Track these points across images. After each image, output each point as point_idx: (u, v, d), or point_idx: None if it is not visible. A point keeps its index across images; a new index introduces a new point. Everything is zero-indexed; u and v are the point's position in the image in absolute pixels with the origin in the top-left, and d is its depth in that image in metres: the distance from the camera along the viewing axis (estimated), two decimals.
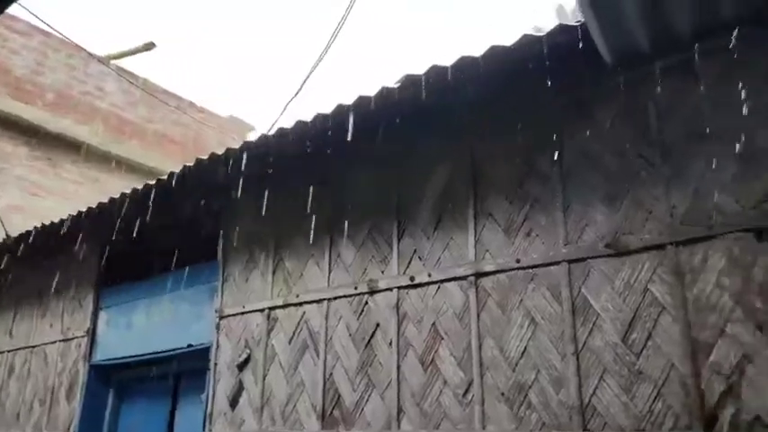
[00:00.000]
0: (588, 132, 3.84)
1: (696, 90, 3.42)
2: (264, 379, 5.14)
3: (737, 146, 3.24)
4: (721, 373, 3.04)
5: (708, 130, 3.33)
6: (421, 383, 4.19)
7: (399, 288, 4.49)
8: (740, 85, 3.28)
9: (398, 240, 4.63)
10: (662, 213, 3.45)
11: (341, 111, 4.44)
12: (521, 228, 4.01)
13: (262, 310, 5.36)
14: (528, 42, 3.62)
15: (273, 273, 5.46)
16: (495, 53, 3.73)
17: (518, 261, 3.92)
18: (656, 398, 3.22)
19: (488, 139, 4.29)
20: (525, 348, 3.75)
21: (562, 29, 3.47)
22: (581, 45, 3.38)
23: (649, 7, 2.83)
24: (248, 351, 5.32)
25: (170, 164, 12.14)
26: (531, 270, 3.86)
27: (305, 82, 6.06)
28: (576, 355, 3.52)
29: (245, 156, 5.12)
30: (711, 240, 3.24)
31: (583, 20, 3.26)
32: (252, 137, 5.83)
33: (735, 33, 2.89)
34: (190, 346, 5.80)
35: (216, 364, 5.50)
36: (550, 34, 3.51)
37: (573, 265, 3.69)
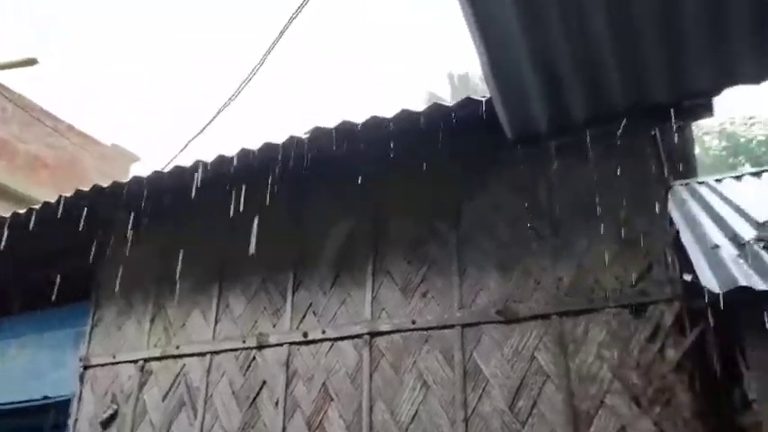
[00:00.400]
0: (485, 201, 4.02)
1: (584, 171, 3.71)
2: None
3: (619, 226, 3.52)
4: None
5: (593, 210, 3.60)
6: None
7: (291, 344, 4.33)
8: (622, 170, 3.60)
9: (293, 293, 4.50)
10: (549, 284, 3.64)
11: (245, 154, 4.31)
12: (417, 288, 4.05)
13: (135, 362, 4.93)
14: (437, 110, 3.75)
15: (152, 320, 5.07)
16: (405, 116, 3.83)
17: (413, 322, 3.94)
18: None
19: (391, 199, 4.35)
20: (416, 413, 3.73)
21: (469, 101, 3.65)
22: (484, 118, 3.54)
23: (549, 92, 3.04)
24: (115, 407, 4.84)
25: (39, 190, 11.09)
26: (425, 332, 3.89)
27: (212, 120, 5.84)
28: (465, 422, 3.55)
29: (126, 191, 4.78)
30: (593, 313, 3.45)
31: (488, 95, 3.44)
32: (136, 168, 5.50)
33: (623, 122, 3.18)
34: (46, 398, 5.18)
35: (76, 420, 4.94)
36: (458, 105, 3.66)
37: (466, 329, 3.76)
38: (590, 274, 3.54)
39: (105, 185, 4.86)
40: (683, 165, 5.46)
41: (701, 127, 17.00)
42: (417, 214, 4.22)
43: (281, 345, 4.37)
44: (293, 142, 4.16)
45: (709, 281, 3.01)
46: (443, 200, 4.14)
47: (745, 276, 2.99)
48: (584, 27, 2.63)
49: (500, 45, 2.78)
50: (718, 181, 6.08)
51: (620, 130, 3.46)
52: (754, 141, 15.14)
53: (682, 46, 2.72)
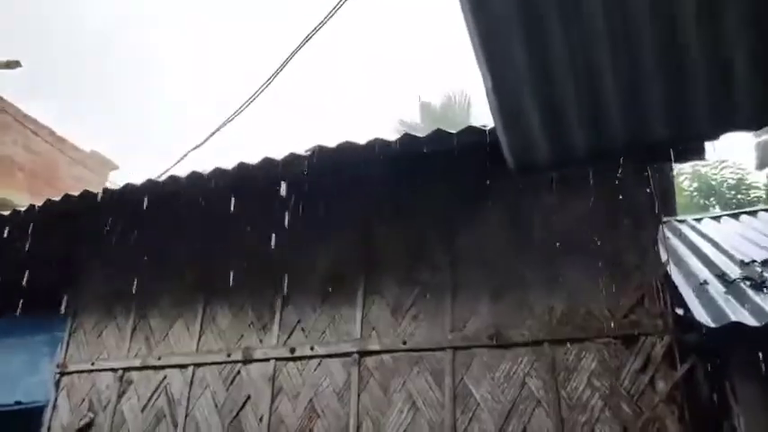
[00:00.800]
0: (480, 228, 4.08)
1: (580, 204, 3.80)
2: None
3: (611, 259, 3.61)
4: None
5: (586, 242, 3.68)
6: None
7: (278, 359, 4.29)
8: (617, 205, 3.70)
9: (282, 309, 4.47)
10: (541, 312, 3.69)
11: (243, 169, 4.30)
12: (409, 310, 4.07)
13: (114, 370, 4.82)
14: (438, 136, 3.81)
15: (133, 329, 4.98)
16: (408, 141, 3.88)
17: (404, 343, 3.95)
18: None
19: (386, 222, 4.38)
20: None
21: (471, 130, 3.71)
22: (488, 148, 3.61)
23: (551, 123, 3.13)
24: (91, 415, 4.71)
25: (14, 194, 10.85)
26: (416, 353, 3.90)
27: (213, 134, 5.82)
28: None
29: (112, 200, 4.70)
30: (584, 343, 3.51)
31: (491, 125, 3.52)
32: (114, 176, 5.44)
33: (621, 159, 3.28)
34: (19, 403, 5.00)
35: (49, 428, 4.78)
36: (461, 132, 3.73)
37: (458, 352, 3.78)
38: (582, 305, 3.60)
39: (92, 192, 4.79)
40: (664, 202, 5.62)
41: (673, 168, 17.46)
42: (412, 238, 4.25)
43: (267, 360, 4.33)
44: (268, 164, 4.16)
45: (701, 316, 3.10)
46: (438, 225, 4.19)
47: (735, 312, 3.08)
48: (586, 58, 2.73)
49: (505, 76, 2.87)
50: (698, 220, 6.27)
51: (619, 167, 3.58)
52: (724, 185, 15.61)
53: (685, 87, 2.84)
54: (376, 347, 4.03)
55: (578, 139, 3.36)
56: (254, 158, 4.26)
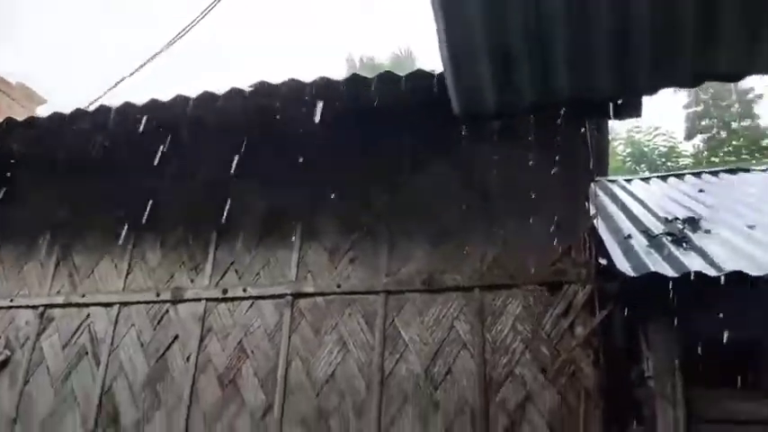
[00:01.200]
0: (423, 175, 4.08)
1: (519, 156, 3.83)
2: (25, 387, 4.40)
3: (545, 210, 3.69)
4: (506, 410, 3.36)
5: (524, 192, 3.73)
6: (216, 404, 3.93)
7: (209, 300, 4.21)
8: (555, 158, 3.76)
9: (216, 249, 4.37)
10: (475, 259, 3.76)
11: (177, 103, 4.10)
12: (346, 254, 4.06)
13: (35, 307, 4.62)
14: (387, 78, 3.73)
15: (57, 265, 4.76)
16: (355, 80, 3.78)
17: (339, 286, 3.95)
18: (447, 429, 3.43)
19: (328, 165, 4.29)
20: (333, 373, 3.76)
21: (420, 73, 3.65)
22: (435, 92, 3.55)
23: (501, 70, 3.11)
24: (8, 353, 4.52)
25: None
26: (350, 296, 3.91)
27: (144, 65, 5.48)
28: (380, 384, 3.62)
29: (37, 130, 4.43)
30: (512, 289, 3.61)
31: (440, 70, 3.47)
32: (43, 110, 5.11)
33: (563, 111, 3.31)
34: None
35: None
36: (409, 76, 3.66)
37: (391, 296, 3.82)
38: (513, 253, 3.69)
39: (15, 119, 4.48)
40: (600, 162, 5.79)
41: (609, 131, 18.03)
42: (354, 182, 4.20)
43: (198, 300, 4.25)
44: (206, 99, 4.00)
45: (623, 266, 3.23)
46: (382, 171, 4.16)
47: (655, 264, 3.23)
48: (540, 7, 2.71)
49: (458, 19, 2.81)
50: (629, 181, 6.51)
51: (560, 120, 3.61)
52: (655, 152, 16.27)
53: (628, 41, 2.87)
54: (310, 290, 4.02)
55: (526, 89, 3.36)
56: (192, 93, 4.07)
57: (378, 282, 3.87)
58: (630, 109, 3.51)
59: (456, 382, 3.52)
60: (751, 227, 3.90)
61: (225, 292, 4.20)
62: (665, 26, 2.74)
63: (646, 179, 6.53)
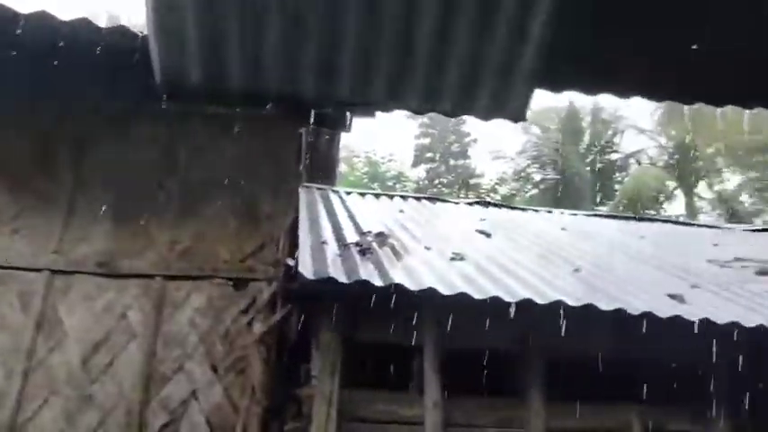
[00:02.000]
0: (119, 147, 3.70)
1: (228, 144, 3.73)
2: None
3: (246, 204, 3.64)
4: (168, 407, 3.19)
5: (226, 183, 3.64)
6: None
7: None
8: (263, 154, 3.75)
9: None
10: (163, 245, 3.52)
11: None
12: (11, 223, 3.46)
13: None
14: (83, 24, 3.26)
15: None
16: (43, 16, 3.22)
17: None
18: (98, 425, 3.12)
19: (12, 116, 3.60)
20: None
21: (123, 31, 3.29)
22: (138, 56, 3.24)
23: (210, 48, 2.96)
24: None
25: None
26: (6, 271, 3.33)
27: None
28: (24, 372, 3.14)
29: None
30: (198, 281, 3.47)
31: (146, 32, 3.18)
32: None
33: (269, 107, 3.29)
34: None
35: None
36: (112, 30, 3.28)
37: (56, 276, 3.36)
38: (207, 243, 3.56)
39: None
40: (325, 171, 6.02)
41: (351, 149, 19.34)
42: (38, 141, 3.62)
43: None
44: None
45: (306, 268, 3.32)
46: (72, 134, 3.67)
47: (335, 270, 3.39)
48: None
49: None
50: (348, 194, 6.91)
51: (273, 116, 3.60)
52: (388, 174, 17.93)
53: (333, 55, 2.98)
54: None
55: (234, 76, 3.27)
56: None
57: (43, 259, 3.38)
58: (338, 122, 3.67)
59: (117, 375, 3.23)
60: (428, 248, 4.39)
61: None
62: (368, 49, 2.91)
63: (362, 194, 6.98)
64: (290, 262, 3.45)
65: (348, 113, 3.55)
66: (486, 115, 2.76)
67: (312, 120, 3.45)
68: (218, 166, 3.72)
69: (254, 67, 3.04)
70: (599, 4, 2.15)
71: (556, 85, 2.67)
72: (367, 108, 3.46)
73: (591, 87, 2.68)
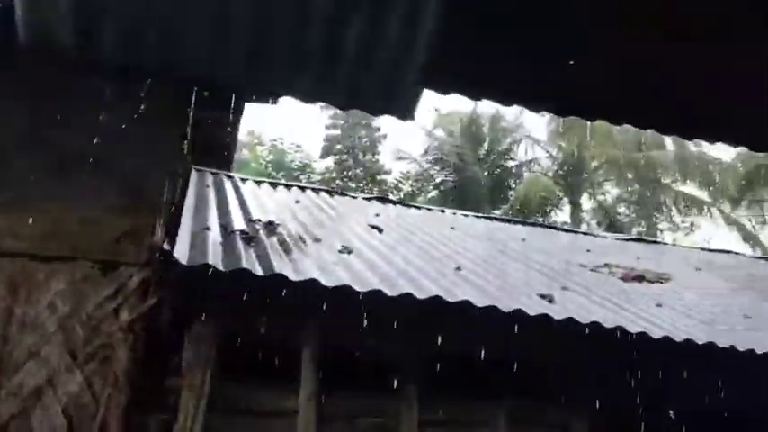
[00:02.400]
0: None
1: (108, 117, 3.45)
2: None
3: (124, 183, 3.42)
4: (19, 395, 2.94)
5: (105, 158, 3.39)
6: None
7: None
8: (148, 132, 3.52)
9: None
10: (23, 223, 3.22)
11: None
12: None
13: None
14: None
15: None
16: None
17: None
18: None
19: None
20: None
21: None
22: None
23: (82, 17, 2.75)
24: None
25: None
26: None
27: None
28: None
29: None
30: (62, 262, 3.23)
31: None
32: None
33: (150, 81, 3.10)
34: None
35: None
36: None
37: None
38: (73, 223, 3.31)
39: None
40: (221, 156, 5.83)
41: (256, 136, 18.90)
42: None
43: None
44: None
45: (182, 254, 3.18)
46: None
47: (215, 257, 3.28)
48: None
49: None
50: (243, 180, 6.72)
51: (159, 92, 3.39)
52: (293, 164, 17.63)
53: (225, 32, 2.86)
54: None
55: (109, 44, 3.06)
56: None
57: None
58: (228, 105, 3.55)
59: None
60: (317, 240, 4.36)
61: None
62: (255, 32, 2.82)
63: (258, 182, 6.83)
64: (166, 246, 3.29)
65: (237, 97, 3.43)
66: (375, 110, 2.77)
67: (197, 100, 3.30)
68: (91, 141, 3.46)
69: (132, 37, 2.87)
70: (485, 11, 2.22)
71: (442, 87, 2.72)
72: (258, 93, 3.37)
73: (474, 92, 2.76)
